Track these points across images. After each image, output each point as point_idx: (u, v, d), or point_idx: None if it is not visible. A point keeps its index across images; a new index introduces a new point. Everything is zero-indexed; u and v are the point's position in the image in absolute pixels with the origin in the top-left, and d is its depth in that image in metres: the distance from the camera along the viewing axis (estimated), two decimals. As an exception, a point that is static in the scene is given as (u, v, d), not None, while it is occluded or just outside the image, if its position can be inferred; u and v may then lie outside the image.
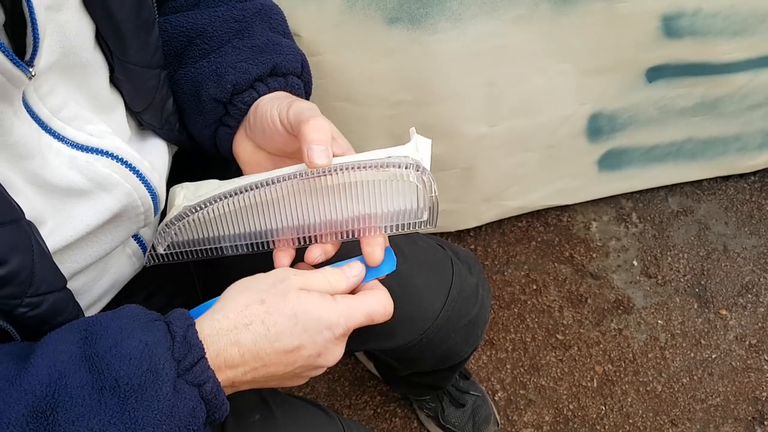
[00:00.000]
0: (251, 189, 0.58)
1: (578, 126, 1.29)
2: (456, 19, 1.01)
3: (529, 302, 1.43)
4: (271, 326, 0.49)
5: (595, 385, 1.34)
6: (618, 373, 1.35)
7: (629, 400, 1.32)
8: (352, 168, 0.55)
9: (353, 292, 0.56)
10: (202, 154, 0.73)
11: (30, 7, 0.44)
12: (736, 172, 1.55)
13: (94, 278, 0.62)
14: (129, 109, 0.63)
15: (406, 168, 0.56)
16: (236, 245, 0.63)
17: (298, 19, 0.97)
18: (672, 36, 1.14)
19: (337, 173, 0.55)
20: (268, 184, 0.57)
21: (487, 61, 1.09)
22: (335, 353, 0.53)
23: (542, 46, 1.10)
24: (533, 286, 1.45)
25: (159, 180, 0.60)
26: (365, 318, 0.53)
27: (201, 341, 0.46)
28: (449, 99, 1.14)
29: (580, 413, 1.30)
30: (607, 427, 1.29)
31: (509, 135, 1.25)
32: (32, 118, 0.50)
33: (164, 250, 0.63)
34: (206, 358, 0.46)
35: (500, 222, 1.52)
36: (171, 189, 0.65)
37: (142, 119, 0.63)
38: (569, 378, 1.34)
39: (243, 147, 0.64)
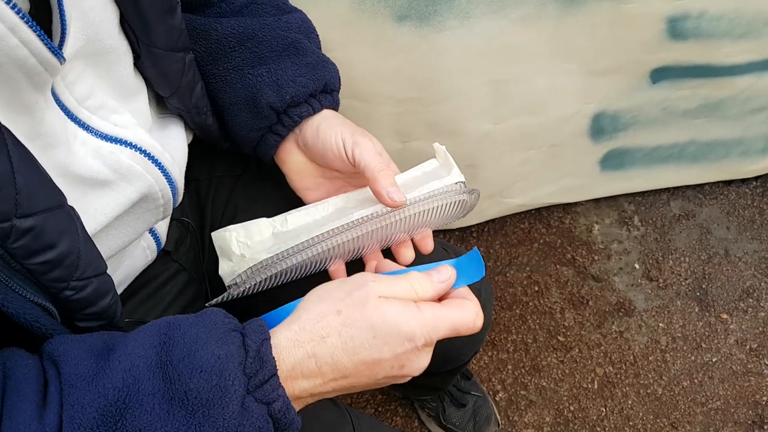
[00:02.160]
0: (328, 238, 0.60)
1: (582, 125, 1.30)
2: (464, 17, 1.02)
3: (530, 304, 1.43)
4: (348, 340, 0.47)
5: (596, 386, 1.34)
6: (619, 376, 1.35)
7: (630, 402, 1.32)
8: (418, 201, 0.62)
9: (442, 298, 0.53)
10: (212, 144, 0.74)
11: None
12: (738, 176, 1.55)
13: (110, 271, 0.62)
14: (153, 97, 0.63)
15: (460, 193, 0.64)
16: (300, 271, 0.66)
17: (307, 15, 0.98)
18: (677, 38, 1.15)
19: (407, 208, 0.61)
20: (343, 231, 0.61)
21: (494, 60, 1.09)
22: (420, 363, 0.50)
23: (548, 45, 1.10)
24: (535, 288, 1.45)
25: (179, 173, 0.61)
26: (451, 330, 0.50)
27: (274, 358, 0.45)
28: (455, 97, 1.15)
29: (580, 414, 1.30)
30: (607, 428, 1.29)
31: (513, 133, 1.25)
32: (59, 107, 0.50)
33: (237, 295, 0.64)
34: (277, 376, 0.45)
35: (503, 223, 1.52)
36: (215, 235, 0.66)
37: (170, 104, 0.64)
38: (570, 379, 1.34)
39: (293, 158, 0.69)
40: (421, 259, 0.66)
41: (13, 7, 0.40)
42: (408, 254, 0.66)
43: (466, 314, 0.51)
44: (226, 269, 0.66)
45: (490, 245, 1.51)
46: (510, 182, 1.38)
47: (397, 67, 1.07)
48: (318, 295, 0.50)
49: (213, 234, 0.66)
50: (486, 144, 1.24)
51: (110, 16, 0.54)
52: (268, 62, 0.67)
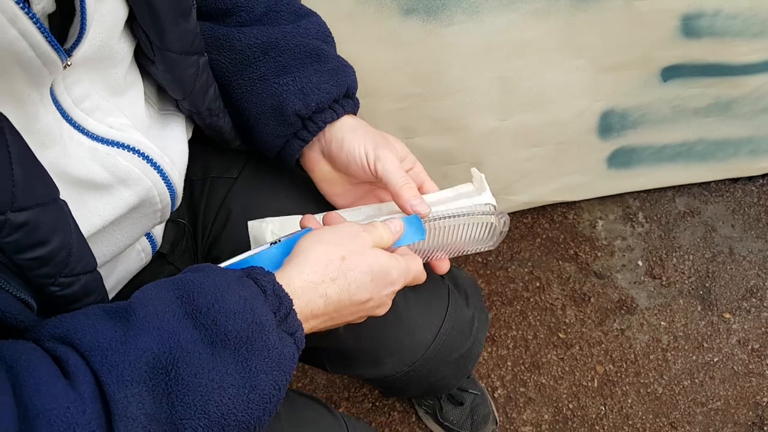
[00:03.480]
0: None
1: (590, 122, 1.27)
2: (473, 11, 0.99)
3: (531, 299, 1.42)
4: (352, 282, 0.54)
5: (596, 385, 1.33)
6: (619, 374, 1.34)
7: (629, 401, 1.31)
8: (448, 217, 0.65)
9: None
10: (217, 144, 0.74)
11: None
12: (746, 174, 1.53)
13: (104, 275, 0.61)
14: (152, 94, 0.63)
15: (487, 214, 0.66)
16: None
17: (310, 7, 0.95)
18: (690, 36, 1.12)
19: (437, 221, 0.65)
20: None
21: (502, 55, 1.07)
22: (387, 305, 0.60)
23: (559, 40, 1.08)
24: (536, 284, 1.44)
25: (178, 177, 0.60)
26: (413, 278, 0.61)
27: (288, 294, 0.50)
28: (460, 92, 1.12)
29: (579, 413, 1.30)
30: (606, 427, 1.28)
31: (519, 129, 1.23)
32: (56, 106, 0.49)
33: None
34: (295, 309, 0.50)
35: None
36: (252, 224, 0.69)
37: (182, 106, 0.64)
38: (570, 377, 1.33)
39: (320, 167, 0.71)
40: None
41: (17, 1, 0.39)
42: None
43: (420, 266, 0.62)
44: None
45: (493, 239, 1.49)
46: (514, 179, 1.36)
47: (402, 62, 1.05)
48: (316, 240, 0.55)
49: (250, 223, 0.69)
50: (491, 140, 1.22)
51: (120, 20, 0.53)
52: (292, 71, 0.68)
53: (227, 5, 0.69)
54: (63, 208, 0.46)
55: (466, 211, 0.65)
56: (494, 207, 0.68)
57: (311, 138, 0.70)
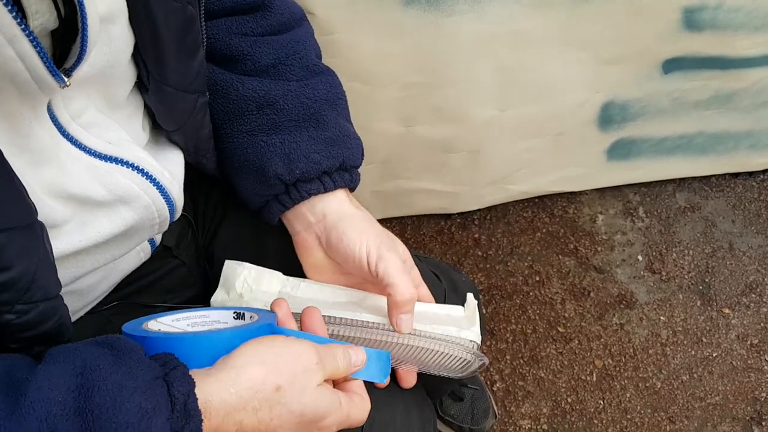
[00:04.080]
0: (332, 323, 0.61)
1: (590, 114, 1.27)
2: (475, 1, 0.99)
3: (531, 293, 1.42)
4: (276, 417, 0.47)
5: (595, 379, 1.33)
6: (618, 368, 1.34)
7: (628, 395, 1.31)
8: (428, 337, 0.61)
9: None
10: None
11: (83, 18, 0.42)
12: (746, 169, 1.53)
13: (101, 279, 0.60)
14: (147, 114, 0.60)
15: (467, 351, 0.62)
16: None
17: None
18: (692, 28, 1.12)
19: (413, 338, 0.61)
20: (341, 324, 0.61)
21: (503, 45, 1.07)
22: None
23: (560, 32, 1.07)
24: (536, 278, 1.44)
25: (178, 190, 0.59)
26: (348, 425, 0.53)
27: (200, 410, 0.44)
28: (461, 82, 1.12)
29: (578, 407, 1.30)
30: (604, 421, 1.28)
31: (519, 120, 1.23)
32: (52, 121, 0.48)
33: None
34: (202, 429, 0.44)
35: (505, 211, 1.50)
36: (227, 264, 0.65)
37: (170, 137, 0.61)
38: (569, 371, 1.33)
39: (313, 254, 0.66)
40: None
41: (15, 18, 0.37)
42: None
43: (364, 415, 0.54)
44: (218, 299, 0.65)
45: (492, 233, 1.49)
46: (514, 169, 1.36)
47: (402, 51, 1.04)
48: (257, 358, 0.48)
49: (227, 261, 0.65)
50: (491, 130, 1.22)
51: (129, 45, 0.51)
52: (283, 132, 0.64)
53: (233, 52, 0.65)
54: (36, 231, 0.44)
55: (450, 344, 0.61)
56: (477, 345, 0.64)
57: (293, 205, 0.65)
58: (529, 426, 1.27)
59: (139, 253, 0.64)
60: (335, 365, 0.52)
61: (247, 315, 0.57)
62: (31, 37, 0.39)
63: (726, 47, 1.18)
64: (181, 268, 0.73)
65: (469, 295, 0.67)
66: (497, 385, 1.32)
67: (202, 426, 0.43)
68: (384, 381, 0.57)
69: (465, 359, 0.62)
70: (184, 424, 0.43)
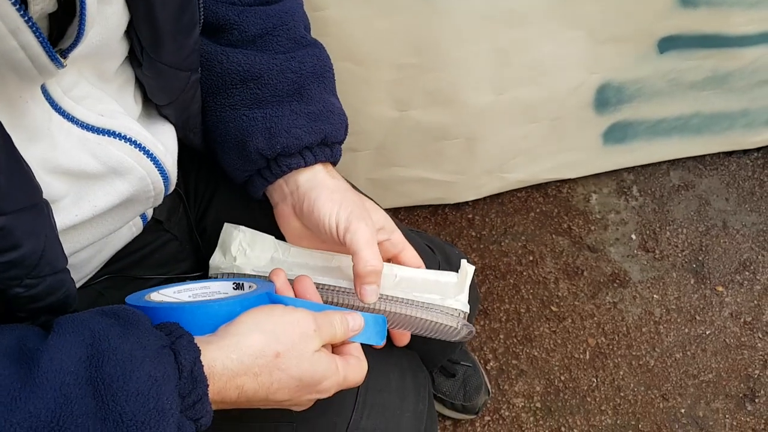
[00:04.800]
0: (321, 290, 0.63)
1: (586, 97, 1.27)
2: (468, -22, 0.98)
3: (524, 273, 1.42)
4: (276, 381, 0.50)
5: (588, 357, 1.33)
6: (611, 347, 1.34)
7: (621, 373, 1.31)
8: (413, 305, 0.63)
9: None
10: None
11: (82, 0, 0.42)
12: (741, 147, 1.53)
13: (94, 253, 0.61)
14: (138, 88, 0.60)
15: (455, 319, 0.63)
16: None
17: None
18: (688, 5, 1.12)
19: (398, 305, 0.62)
20: (328, 289, 0.64)
21: (498, 25, 1.06)
22: (305, 406, 0.56)
23: (555, 10, 1.06)
24: (530, 257, 1.44)
25: (172, 163, 0.59)
26: (345, 387, 0.56)
27: (206, 377, 0.46)
28: (456, 64, 1.11)
29: (571, 384, 1.30)
30: (597, 399, 1.29)
31: (516, 104, 1.22)
32: (45, 97, 0.48)
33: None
34: (208, 394, 0.46)
35: (499, 192, 1.49)
36: (226, 227, 0.68)
37: (160, 110, 0.61)
38: (562, 349, 1.34)
39: (290, 222, 0.67)
40: None
41: (19, 10, 0.37)
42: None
43: (361, 376, 0.56)
44: (216, 261, 0.68)
45: (486, 214, 1.48)
46: (510, 156, 1.36)
47: (395, 30, 1.03)
48: (257, 326, 0.51)
49: (225, 224, 0.68)
50: (487, 115, 1.21)
51: (123, 23, 0.51)
52: (265, 106, 0.64)
53: (220, 21, 0.64)
54: (43, 210, 0.45)
55: (430, 311, 0.62)
56: (463, 313, 0.64)
57: (274, 179, 0.66)
58: (523, 404, 1.28)
59: (131, 228, 0.64)
60: (332, 332, 0.54)
61: (246, 285, 0.59)
62: (34, 28, 0.39)
63: (721, 25, 1.17)
64: (173, 242, 0.73)
65: (464, 261, 0.67)
66: (491, 364, 1.32)
67: (208, 389, 0.46)
68: (381, 343, 0.60)
69: (449, 326, 0.63)
70: (191, 389, 0.45)
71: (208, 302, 0.54)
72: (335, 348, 0.57)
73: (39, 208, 0.44)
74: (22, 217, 0.42)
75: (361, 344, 0.59)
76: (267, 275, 0.62)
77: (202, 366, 0.46)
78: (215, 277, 0.67)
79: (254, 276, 0.65)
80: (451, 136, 1.25)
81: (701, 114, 1.39)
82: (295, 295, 0.60)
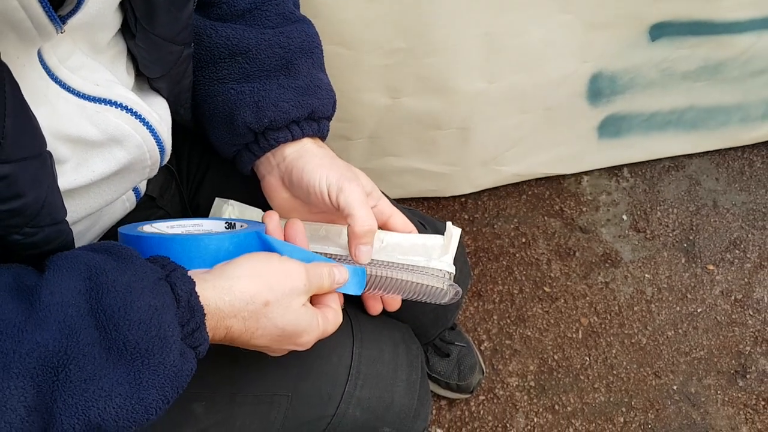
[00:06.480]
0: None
1: (579, 86, 1.26)
2: (457, -39, 0.98)
3: (517, 255, 1.43)
4: (261, 328, 0.52)
5: (580, 336, 1.34)
6: (603, 326, 1.36)
7: (613, 351, 1.33)
8: (396, 267, 0.64)
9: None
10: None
11: None
12: (738, 144, 1.54)
13: (89, 226, 0.61)
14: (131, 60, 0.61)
15: (441, 281, 0.64)
16: None
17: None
18: (678, -12, 1.12)
19: (385, 269, 0.63)
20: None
21: (488, 8, 1.05)
22: (281, 353, 0.59)
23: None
24: (522, 239, 1.45)
25: (167, 132, 0.60)
26: (322, 337, 0.58)
27: (202, 306, 0.48)
28: (447, 49, 1.11)
29: (564, 363, 1.32)
30: (590, 377, 1.30)
31: (508, 93, 1.22)
32: (41, 64, 0.49)
33: None
34: (205, 323, 0.48)
35: (495, 186, 1.50)
36: (216, 201, 0.70)
37: (152, 83, 0.62)
38: (555, 329, 1.35)
39: (280, 195, 0.67)
40: None
41: None
42: (376, 307, 0.70)
43: (336, 326, 0.59)
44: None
45: (478, 196, 1.49)
46: (504, 148, 1.35)
47: (386, 13, 1.03)
48: (251, 271, 0.53)
49: (216, 199, 0.70)
50: (479, 104, 1.21)
51: None
52: (253, 80, 0.65)
53: None
54: (47, 161, 0.46)
55: (415, 273, 0.63)
56: (449, 274, 0.65)
57: (262, 153, 0.66)
58: (517, 383, 1.29)
59: (124, 203, 0.65)
60: (320, 284, 0.57)
61: (238, 225, 0.61)
62: None
63: (712, 9, 1.17)
64: (165, 218, 0.74)
65: (449, 224, 0.68)
66: (485, 344, 1.33)
67: (205, 316, 0.48)
68: (359, 293, 0.62)
69: (435, 287, 0.63)
70: (189, 318, 0.47)
71: (199, 235, 0.55)
72: (315, 297, 0.59)
73: (43, 158, 0.45)
74: (26, 166, 0.43)
75: (354, 315, 0.60)
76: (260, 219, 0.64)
77: (198, 296, 0.48)
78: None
79: (248, 220, 0.67)
80: (445, 125, 1.25)
81: (696, 107, 1.39)
82: (285, 239, 0.61)
